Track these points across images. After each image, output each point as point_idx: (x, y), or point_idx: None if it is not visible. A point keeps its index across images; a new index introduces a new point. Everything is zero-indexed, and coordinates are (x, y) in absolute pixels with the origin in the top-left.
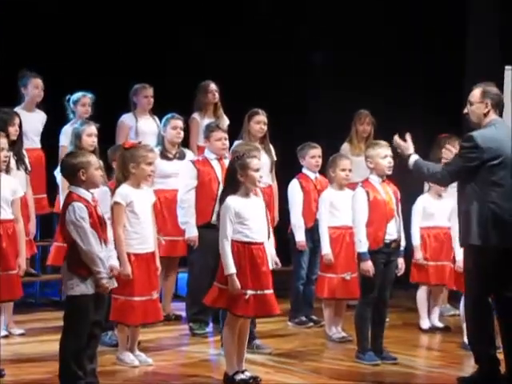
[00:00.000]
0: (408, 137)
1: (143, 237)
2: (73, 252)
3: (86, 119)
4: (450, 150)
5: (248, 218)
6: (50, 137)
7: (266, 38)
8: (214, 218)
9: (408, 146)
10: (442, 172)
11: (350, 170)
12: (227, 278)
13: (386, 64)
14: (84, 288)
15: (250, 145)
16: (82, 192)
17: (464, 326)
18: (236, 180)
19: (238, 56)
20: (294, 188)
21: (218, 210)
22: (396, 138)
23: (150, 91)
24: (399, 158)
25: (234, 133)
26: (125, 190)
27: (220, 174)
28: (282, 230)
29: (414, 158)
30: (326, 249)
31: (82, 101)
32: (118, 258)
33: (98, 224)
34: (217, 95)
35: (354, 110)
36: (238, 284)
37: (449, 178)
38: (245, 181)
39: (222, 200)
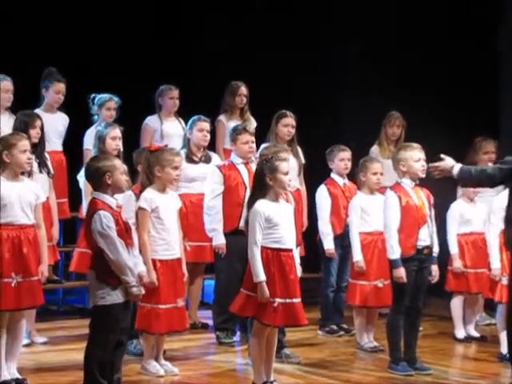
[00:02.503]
0: (443, 156)
1: (169, 242)
2: (100, 261)
3: (110, 122)
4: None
5: (278, 223)
6: (71, 139)
7: (294, 37)
8: (242, 223)
9: (446, 161)
10: (495, 171)
11: (381, 174)
12: (255, 285)
13: (419, 64)
14: (115, 297)
15: (279, 147)
16: (106, 198)
17: (501, 335)
18: (265, 184)
19: (265, 56)
20: (322, 194)
21: (246, 216)
22: (431, 164)
23: (175, 93)
24: (428, 171)
25: (261, 135)
26: (150, 195)
27: (247, 178)
28: (310, 236)
29: (458, 166)
30: (357, 256)
31: (107, 104)
32: (144, 263)
33: (124, 231)
34: (245, 99)
35: (384, 111)
36: (267, 292)
37: (501, 178)
38: (274, 184)
39: (251, 205)
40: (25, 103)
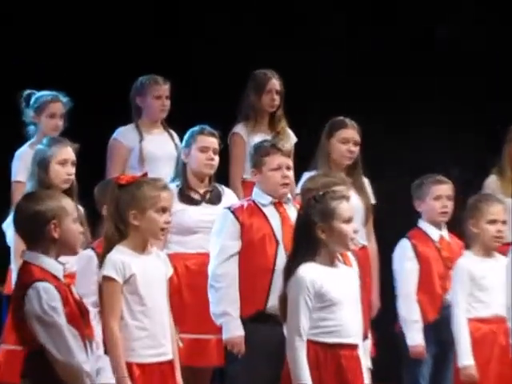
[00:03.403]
0: None
1: (153, 335)
2: (39, 364)
3: (56, 136)
4: None
5: (337, 302)
6: None
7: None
8: (272, 303)
9: None
10: None
11: (503, 222)
12: None
13: None
14: None
15: (334, 177)
16: (47, 262)
17: None
18: (313, 238)
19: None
20: (405, 255)
21: (282, 291)
22: None
23: (163, 89)
24: None
25: (302, 159)
26: (121, 257)
27: (279, 228)
28: (383, 324)
29: None
30: (464, 357)
31: (49, 108)
32: (112, 369)
33: (78, 315)
34: (277, 99)
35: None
36: None
37: None
38: (328, 239)
39: (290, 272)
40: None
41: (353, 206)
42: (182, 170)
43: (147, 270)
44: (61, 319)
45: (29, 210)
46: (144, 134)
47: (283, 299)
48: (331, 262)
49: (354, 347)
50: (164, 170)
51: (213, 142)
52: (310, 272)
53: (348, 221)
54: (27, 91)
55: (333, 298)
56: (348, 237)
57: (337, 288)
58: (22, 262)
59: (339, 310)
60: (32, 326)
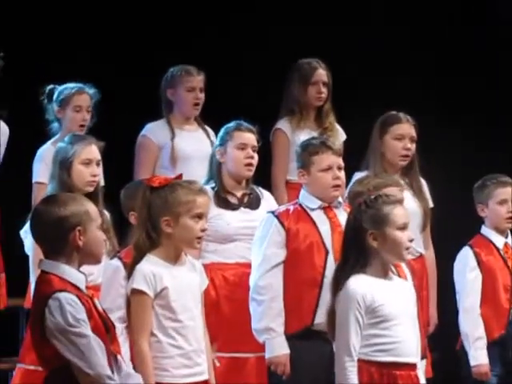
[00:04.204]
0: None
1: (187, 354)
2: (62, 381)
3: (80, 133)
4: None
5: (391, 318)
6: (9, 164)
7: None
8: (321, 318)
9: None
10: None
11: None
12: None
13: None
14: None
15: (387, 178)
16: (68, 272)
17: None
18: (364, 246)
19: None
20: (467, 264)
21: (330, 304)
22: None
23: (196, 80)
24: None
25: (350, 158)
26: (152, 268)
27: (328, 236)
28: (442, 341)
29: None
30: None
31: (75, 100)
32: None
33: (103, 329)
34: (325, 91)
35: None
36: None
37: None
38: (381, 248)
39: (339, 284)
40: None
41: (408, 211)
42: (216, 171)
43: (180, 283)
44: (88, 330)
45: (50, 214)
46: (176, 131)
47: (331, 314)
48: (384, 274)
49: (411, 367)
50: (198, 171)
51: (251, 138)
52: (361, 285)
53: (403, 228)
54: (50, 86)
55: (387, 314)
56: (403, 245)
57: (391, 302)
58: (40, 272)
59: (394, 326)
60: (55, 340)
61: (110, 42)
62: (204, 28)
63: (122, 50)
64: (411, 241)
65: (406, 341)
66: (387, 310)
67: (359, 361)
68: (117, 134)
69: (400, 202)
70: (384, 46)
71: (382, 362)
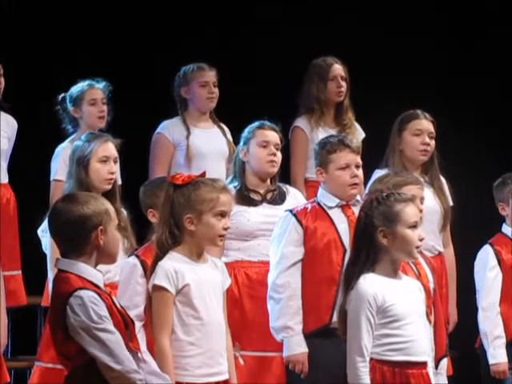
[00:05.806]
0: None
1: (208, 352)
2: (84, 378)
3: (97, 131)
4: None
5: (402, 317)
6: (24, 163)
7: None
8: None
9: None
10: None
11: None
12: None
13: None
14: None
15: (406, 176)
16: (85, 270)
17: None
18: (374, 243)
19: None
20: (487, 262)
21: (342, 303)
22: None
23: (209, 75)
24: None
25: (369, 156)
26: (174, 265)
27: (346, 234)
28: (462, 340)
29: None
30: None
31: (88, 95)
32: None
33: (123, 326)
34: (344, 86)
35: None
36: None
37: None
38: (390, 245)
39: (349, 283)
40: None
41: (428, 209)
42: (240, 170)
43: (202, 280)
44: (111, 326)
45: (71, 213)
46: (191, 129)
47: (343, 313)
48: (394, 272)
49: (423, 365)
50: (213, 168)
51: (274, 136)
52: (372, 285)
53: (414, 226)
54: (61, 95)
55: (398, 314)
56: (413, 244)
57: (401, 302)
58: (57, 271)
59: (405, 325)
60: (80, 338)
61: (122, 40)
62: (217, 27)
63: (134, 47)
64: (422, 240)
65: (417, 340)
66: (398, 309)
67: (372, 360)
68: (133, 132)
69: (412, 200)
70: (404, 46)
71: (395, 361)
